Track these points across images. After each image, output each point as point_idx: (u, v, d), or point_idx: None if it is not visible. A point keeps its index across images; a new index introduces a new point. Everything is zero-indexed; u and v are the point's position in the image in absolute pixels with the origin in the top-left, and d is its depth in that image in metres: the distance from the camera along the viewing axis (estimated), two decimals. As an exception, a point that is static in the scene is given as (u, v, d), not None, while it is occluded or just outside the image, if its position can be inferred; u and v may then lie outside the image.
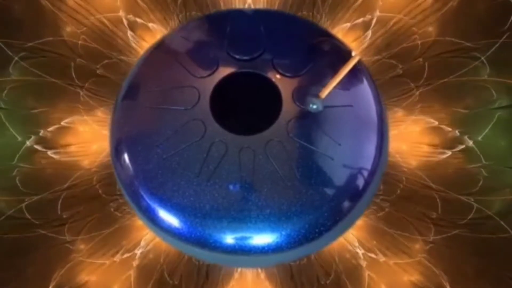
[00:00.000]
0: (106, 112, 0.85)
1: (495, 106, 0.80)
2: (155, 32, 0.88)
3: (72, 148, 0.84)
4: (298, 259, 0.77)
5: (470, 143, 0.80)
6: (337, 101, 0.63)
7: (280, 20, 0.70)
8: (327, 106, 0.62)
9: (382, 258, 0.78)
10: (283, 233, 0.59)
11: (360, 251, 0.79)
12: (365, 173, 0.62)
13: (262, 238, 0.60)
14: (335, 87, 0.61)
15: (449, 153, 0.81)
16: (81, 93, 0.85)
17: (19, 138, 0.82)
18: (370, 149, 0.63)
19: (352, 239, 0.80)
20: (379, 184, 0.68)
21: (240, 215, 0.59)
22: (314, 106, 0.59)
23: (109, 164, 0.81)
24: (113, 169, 0.66)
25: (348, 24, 0.87)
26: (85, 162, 0.84)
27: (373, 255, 0.79)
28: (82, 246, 0.79)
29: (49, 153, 0.83)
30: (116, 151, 0.65)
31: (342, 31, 0.87)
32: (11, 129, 0.82)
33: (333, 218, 0.61)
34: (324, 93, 0.60)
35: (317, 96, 0.60)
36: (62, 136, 0.84)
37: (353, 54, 0.65)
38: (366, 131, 0.63)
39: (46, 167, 0.83)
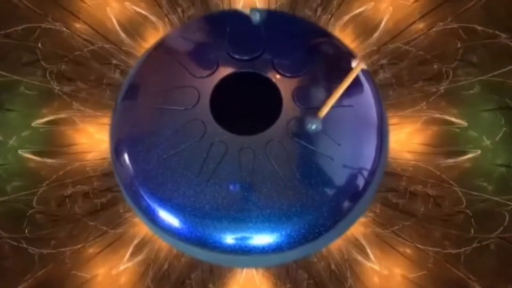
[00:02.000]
0: (96, 112, 0.85)
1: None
2: (155, 32, 0.88)
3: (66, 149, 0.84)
4: (298, 259, 0.77)
5: (487, 143, 0.80)
6: (337, 101, 0.63)
7: (280, 20, 0.70)
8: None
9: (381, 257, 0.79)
10: (283, 233, 0.59)
11: (360, 251, 0.79)
12: (365, 173, 0.62)
13: (262, 238, 0.60)
14: (333, 105, 0.60)
15: (465, 154, 0.80)
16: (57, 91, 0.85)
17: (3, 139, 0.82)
18: (370, 149, 0.63)
19: (356, 236, 0.80)
20: (379, 184, 0.68)
21: (240, 215, 0.59)
22: (313, 127, 0.58)
23: (102, 165, 0.82)
24: (113, 169, 0.66)
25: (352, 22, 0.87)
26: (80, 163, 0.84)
27: (372, 253, 0.79)
28: (86, 247, 0.80)
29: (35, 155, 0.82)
30: (116, 151, 0.65)
31: (343, 30, 0.87)
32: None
33: (333, 218, 0.61)
34: (323, 112, 0.58)
35: (315, 116, 0.58)
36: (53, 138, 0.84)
37: (356, 62, 0.63)
38: (366, 131, 0.63)
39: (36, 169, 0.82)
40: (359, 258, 0.79)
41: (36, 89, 0.84)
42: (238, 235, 0.60)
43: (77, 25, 0.86)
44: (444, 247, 0.77)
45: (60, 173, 0.82)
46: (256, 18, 0.63)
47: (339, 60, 0.65)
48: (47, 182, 0.81)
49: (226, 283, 0.79)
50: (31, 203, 0.80)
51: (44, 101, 0.84)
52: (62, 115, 0.84)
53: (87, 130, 0.85)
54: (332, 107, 0.59)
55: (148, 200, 0.62)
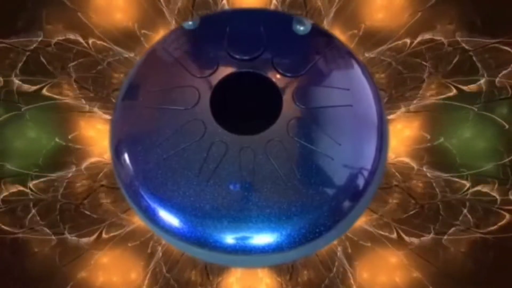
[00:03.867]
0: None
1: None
2: (155, 32, 0.88)
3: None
4: (298, 259, 0.77)
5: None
6: (337, 101, 0.63)
7: (280, 20, 0.70)
8: (327, 106, 0.62)
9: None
10: (283, 233, 0.59)
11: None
12: (365, 173, 0.62)
13: (262, 238, 0.60)
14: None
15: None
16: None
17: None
18: (370, 149, 0.63)
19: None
20: (379, 183, 0.68)
21: (240, 215, 0.59)
22: (302, 28, 0.57)
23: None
24: (113, 169, 0.66)
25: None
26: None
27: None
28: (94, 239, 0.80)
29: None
30: (116, 151, 0.65)
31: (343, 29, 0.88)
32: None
33: (333, 218, 0.61)
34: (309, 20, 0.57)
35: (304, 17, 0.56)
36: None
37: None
38: (366, 131, 0.63)
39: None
40: (354, 255, 0.79)
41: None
42: (238, 235, 0.60)
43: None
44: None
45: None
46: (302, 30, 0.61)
47: (339, 60, 0.65)
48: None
49: (225, 279, 0.79)
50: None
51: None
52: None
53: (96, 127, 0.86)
54: (328, 106, 0.60)
55: (148, 200, 0.62)
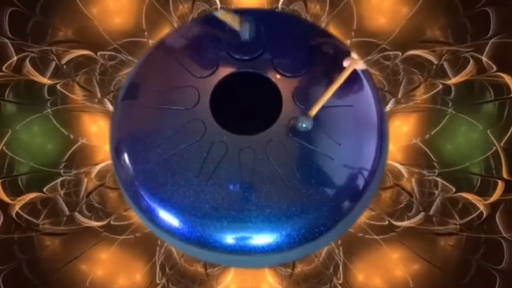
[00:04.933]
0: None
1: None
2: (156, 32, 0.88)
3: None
4: (298, 259, 0.77)
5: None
6: (337, 101, 0.63)
7: (280, 20, 0.70)
8: (327, 106, 0.62)
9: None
10: (283, 233, 0.59)
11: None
12: (365, 173, 0.62)
13: (262, 238, 0.60)
14: (331, 105, 0.61)
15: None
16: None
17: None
18: (370, 149, 0.63)
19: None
20: (379, 183, 0.68)
21: (240, 215, 0.59)
22: (304, 125, 0.59)
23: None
24: (113, 169, 0.66)
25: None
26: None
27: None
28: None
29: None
30: (116, 151, 0.65)
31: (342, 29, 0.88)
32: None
33: (333, 218, 0.61)
34: (313, 111, 0.59)
35: (306, 114, 0.59)
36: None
37: (350, 61, 0.63)
38: (366, 131, 0.63)
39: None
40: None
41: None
42: (238, 235, 0.60)
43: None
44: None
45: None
46: (246, 34, 0.63)
47: (339, 60, 0.65)
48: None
49: (225, 277, 0.79)
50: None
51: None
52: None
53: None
54: (328, 106, 0.60)
55: (148, 200, 0.62)
